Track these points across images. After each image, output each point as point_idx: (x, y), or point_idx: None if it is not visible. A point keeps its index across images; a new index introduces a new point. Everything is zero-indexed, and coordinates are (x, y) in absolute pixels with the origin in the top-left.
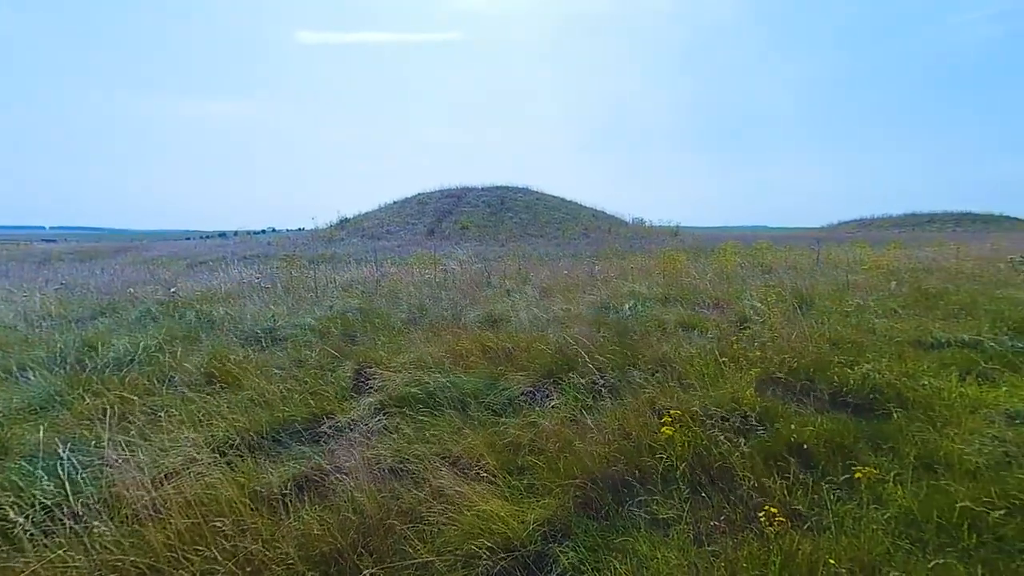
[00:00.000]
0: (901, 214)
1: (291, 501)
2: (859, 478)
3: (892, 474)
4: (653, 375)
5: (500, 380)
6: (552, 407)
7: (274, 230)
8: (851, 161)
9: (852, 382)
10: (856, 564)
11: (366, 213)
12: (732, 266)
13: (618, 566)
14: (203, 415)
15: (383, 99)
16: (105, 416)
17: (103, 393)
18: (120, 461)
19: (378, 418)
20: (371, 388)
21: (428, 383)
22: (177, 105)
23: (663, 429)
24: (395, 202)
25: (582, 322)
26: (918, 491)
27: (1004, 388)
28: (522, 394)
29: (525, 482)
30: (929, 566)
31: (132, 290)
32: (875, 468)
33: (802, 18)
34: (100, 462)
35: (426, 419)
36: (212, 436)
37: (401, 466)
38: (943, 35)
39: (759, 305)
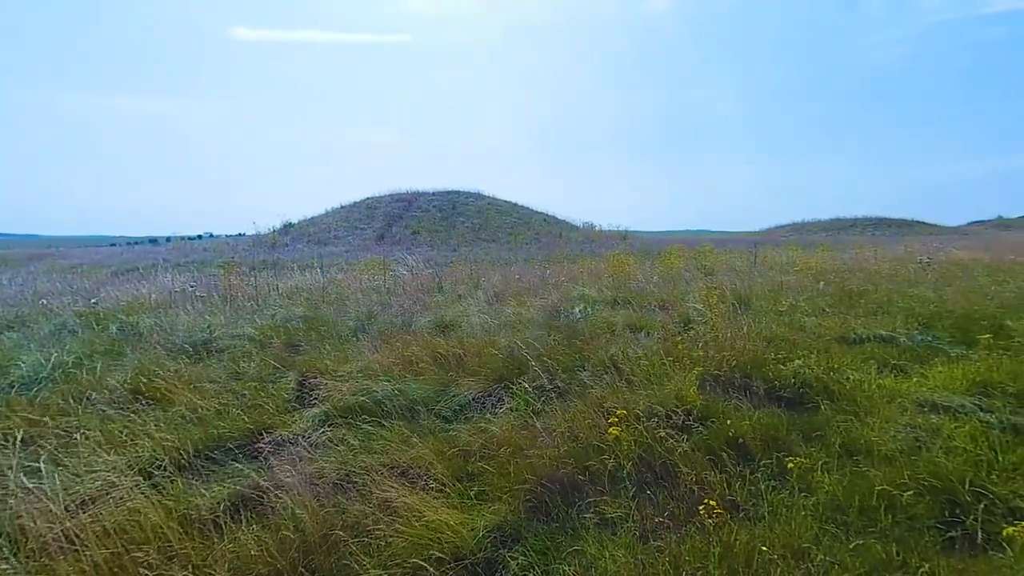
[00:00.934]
0: (828, 219)
1: (226, 523)
2: (791, 468)
3: (820, 463)
4: (602, 377)
5: (451, 387)
6: (503, 412)
7: (211, 235)
8: (786, 168)
9: (785, 377)
10: (787, 550)
11: (312, 218)
12: (677, 269)
13: (567, 568)
14: (126, 435)
15: (329, 101)
16: (9, 442)
17: (7, 416)
18: (26, 490)
19: (322, 430)
20: (315, 399)
21: (376, 392)
22: (102, 103)
23: (610, 430)
24: (343, 206)
25: (533, 326)
26: (842, 478)
27: (915, 379)
28: (473, 400)
29: (475, 489)
30: (851, 547)
31: (45, 301)
32: (805, 458)
33: (739, 33)
34: (2, 492)
35: (373, 429)
36: (136, 457)
37: (346, 479)
38: (862, 52)
39: (701, 307)
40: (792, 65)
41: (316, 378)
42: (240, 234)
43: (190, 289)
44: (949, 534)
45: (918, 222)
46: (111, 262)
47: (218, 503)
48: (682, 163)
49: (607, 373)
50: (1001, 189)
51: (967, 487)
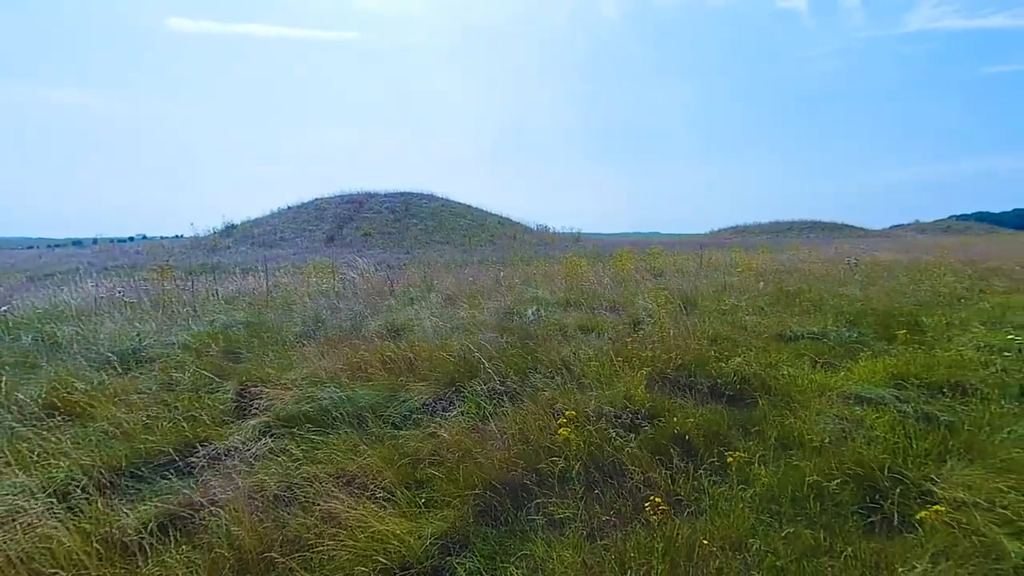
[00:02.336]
0: (768, 222)
1: (152, 545)
2: (730, 462)
3: (758, 456)
4: (553, 378)
5: (400, 392)
6: (454, 416)
7: (145, 237)
8: (731, 173)
9: (726, 375)
10: (726, 542)
11: (257, 219)
12: (627, 271)
13: (514, 571)
14: (39, 454)
15: (275, 97)
16: None
17: None
18: None
19: (263, 441)
20: (256, 409)
21: (322, 399)
22: (18, 91)
23: (560, 431)
24: (290, 207)
25: (486, 328)
26: (777, 470)
27: (842, 373)
28: (423, 405)
29: (424, 496)
30: (783, 535)
31: None
32: (744, 452)
33: (686, 41)
34: None
35: (318, 438)
36: (50, 479)
37: (288, 492)
38: (796, 66)
39: (651, 307)
40: (735, 75)
41: (257, 387)
42: (178, 236)
43: (118, 294)
44: (870, 519)
45: (847, 225)
46: (27, 266)
47: (144, 524)
48: (634, 166)
49: (559, 374)
50: (919, 195)
51: (886, 474)
